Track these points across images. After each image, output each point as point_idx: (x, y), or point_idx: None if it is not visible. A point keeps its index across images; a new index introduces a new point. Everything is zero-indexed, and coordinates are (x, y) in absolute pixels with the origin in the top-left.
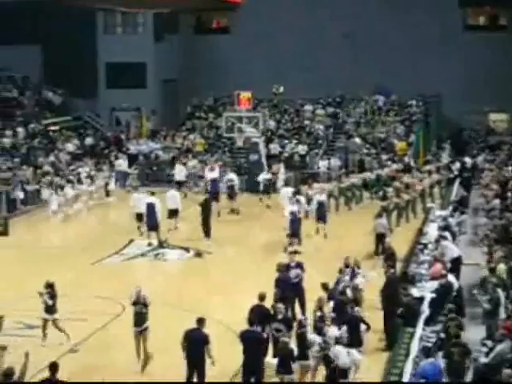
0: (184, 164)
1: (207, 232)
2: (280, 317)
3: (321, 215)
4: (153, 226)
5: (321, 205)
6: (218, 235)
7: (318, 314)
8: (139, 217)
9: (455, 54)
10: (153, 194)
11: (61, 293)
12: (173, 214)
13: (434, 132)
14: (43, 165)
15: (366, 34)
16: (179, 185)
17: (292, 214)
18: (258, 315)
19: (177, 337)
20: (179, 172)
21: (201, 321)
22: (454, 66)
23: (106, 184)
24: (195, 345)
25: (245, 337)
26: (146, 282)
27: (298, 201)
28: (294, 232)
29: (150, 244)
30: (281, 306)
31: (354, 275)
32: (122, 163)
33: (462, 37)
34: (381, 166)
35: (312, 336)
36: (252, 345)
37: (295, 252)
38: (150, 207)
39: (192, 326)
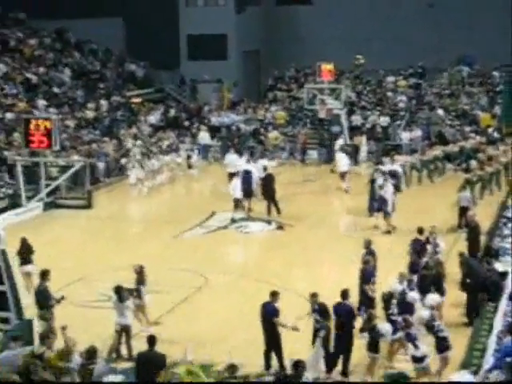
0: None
1: (269, 207)
2: (316, 307)
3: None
4: (247, 193)
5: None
6: (300, 208)
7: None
8: (231, 176)
9: None
10: (249, 160)
11: (146, 265)
12: None
13: None
14: (126, 137)
15: (448, 3)
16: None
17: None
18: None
19: (258, 309)
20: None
21: (274, 294)
22: None
23: (189, 156)
24: (266, 318)
25: (336, 309)
26: (228, 255)
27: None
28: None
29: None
30: (316, 297)
31: (436, 246)
32: (204, 135)
33: None
34: (464, 138)
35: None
36: (343, 318)
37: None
38: (246, 174)
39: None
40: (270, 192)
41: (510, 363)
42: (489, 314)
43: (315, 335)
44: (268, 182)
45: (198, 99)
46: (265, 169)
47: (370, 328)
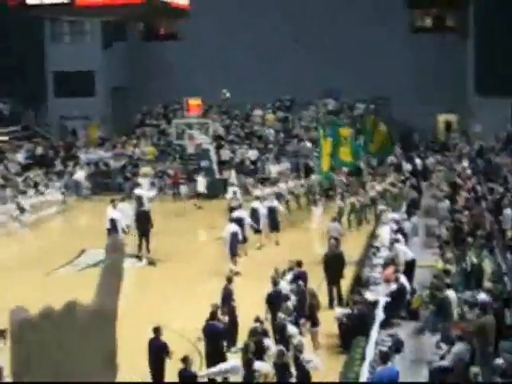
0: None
1: (140, 244)
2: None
3: (273, 223)
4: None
5: (272, 211)
6: (171, 243)
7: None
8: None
9: (403, 56)
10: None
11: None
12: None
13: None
14: None
15: (314, 38)
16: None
17: (232, 235)
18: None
19: (134, 348)
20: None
21: (157, 329)
22: (402, 68)
23: (62, 193)
24: (154, 354)
25: (207, 330)
26: None
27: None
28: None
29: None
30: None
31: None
32: (77, 172)
33: (410, 39)
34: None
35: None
36: (213, 338)
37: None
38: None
39: (151, 336)
40: (145, 228)
41: None
42: (361, 342)
43: None
44: (143, 218)
45: (66, 136)
46: (140, 204)
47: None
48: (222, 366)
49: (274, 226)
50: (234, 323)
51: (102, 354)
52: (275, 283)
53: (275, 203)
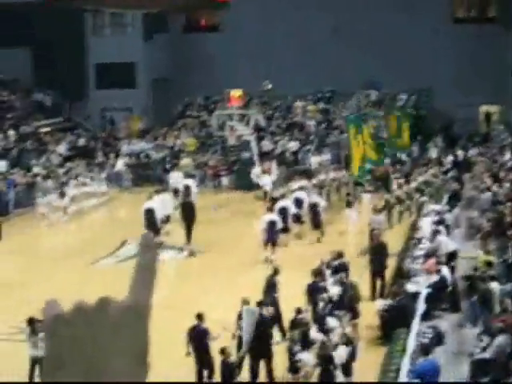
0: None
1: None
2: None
3: (315, 219)
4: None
5: (313, 206)
6: (212, 234)
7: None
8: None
9: (444, 47)
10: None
11: (59, 297)
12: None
13: (424, 126)
14: (34, 167)
15: (355, 28)
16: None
17: (270, 223)
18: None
19: (172, 338)
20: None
21: (200, 316)
22: (443, 59)
23: (106, 184)
24: (197, 340)
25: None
26: None
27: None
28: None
29: None
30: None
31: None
32: (117, 163)
33: (452, 29)
34: None
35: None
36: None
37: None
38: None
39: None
40: (189, 219)
41: None
42: (402, 334)
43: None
44: (188, 209)
45: (108, 128)
46: (187, 195)
47: None
48: (243, 325)
49: (316, 222)
50: (277, 314)
51: (133, 351)
52: (316, 274)
53: (317, 198)
